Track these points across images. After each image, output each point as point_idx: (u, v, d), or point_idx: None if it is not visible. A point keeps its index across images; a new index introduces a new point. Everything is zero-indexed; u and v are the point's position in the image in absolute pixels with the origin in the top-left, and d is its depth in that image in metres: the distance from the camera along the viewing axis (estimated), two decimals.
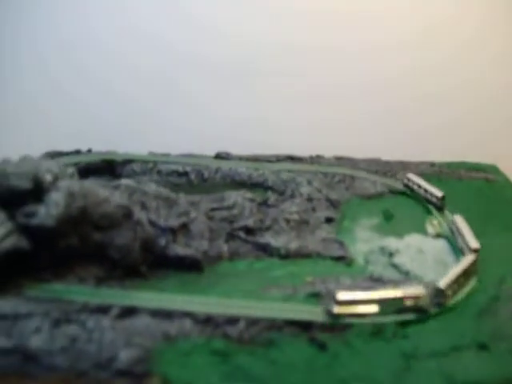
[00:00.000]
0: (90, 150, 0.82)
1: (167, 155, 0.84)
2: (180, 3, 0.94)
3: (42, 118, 0.95)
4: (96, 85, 0.95)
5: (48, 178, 0.54)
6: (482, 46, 0.97)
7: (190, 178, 0.79)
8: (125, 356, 0.48)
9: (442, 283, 0.56)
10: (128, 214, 0.58)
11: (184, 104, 0.95)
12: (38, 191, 0.55)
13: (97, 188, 0.58)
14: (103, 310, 0.52)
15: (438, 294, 0.56)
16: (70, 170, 0.58)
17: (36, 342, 0.49)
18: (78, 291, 0.55)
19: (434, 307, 0.55)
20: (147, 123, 0.94)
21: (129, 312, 0.52)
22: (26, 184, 0.54)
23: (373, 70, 0.94)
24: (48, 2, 0.99)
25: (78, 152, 0.77)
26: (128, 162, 0.81)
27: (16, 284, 0.55)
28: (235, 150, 0.85)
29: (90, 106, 0.94)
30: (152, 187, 0.65)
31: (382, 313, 0.53)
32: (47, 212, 0.53)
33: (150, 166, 0.80)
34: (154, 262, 0.60)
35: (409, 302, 0.54)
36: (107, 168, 0.79)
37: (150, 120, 0.95)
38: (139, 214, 0.60)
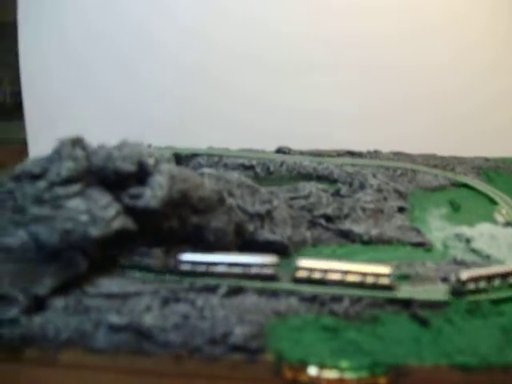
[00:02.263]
0: (149, 146, 0.83)
1: (228, 150, 0.86)
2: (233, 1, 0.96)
3: (96, 117, 0.96)
4: (150, 81, 0.96)
5: (151, 161, 0.56)
6: None
7: (256, 171, 0.80)
8: (240, 331, 0.49)
9: None
10: (222, 199, 0.60)
11: (239, 99, 0.96)
12: (141, 174, 0.56)
13: (192, 173, 0.59)
14: (210, 289, 0.54)
15: None
16: (167, 154, 0.59)
17: (148, 319, 0.50)
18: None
19: None
20: (205, 120, 0.96)
21: (236, 291, 0.53)
22: (131, 167, 0.55)
23: (426, 61, 0.96)
24: None
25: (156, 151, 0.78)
26: (193, 155, 0.82)
27: (119, 264, 0.56)
28: (291, 145, 0.87)
29: (144, 103, 0.95)
30: (234, 176, 0.67)
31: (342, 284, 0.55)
32: (152, 194, 0.55)
33: (216, 160, 0.81)
34: (243, 246, 0.61)
35: (371, 279, 0.55)
36: (175, 161, 0.80)
37: (208, 117, 0.96)
38: (230, 200, 0.61)
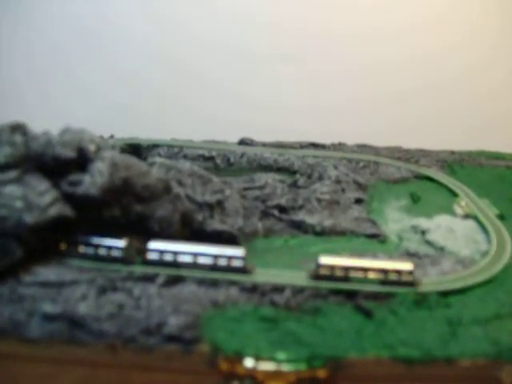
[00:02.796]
0: (112, 136, 0.82)
1: (190, 141, 0.85)
2: None
3: (63, 104, 0.94)
4: (117, 71, 0.95)
5: (92, 147, 0.54)
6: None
7: (216, 163, 0.79)
8: (174, 322, 0.48)
9: None
10: (167, 188, 0.58)
11: (204, 90, 0.95)
12: (81, 161, 0.55)
13: (138, 160, 0.58)
14: (149, 278, 0.52)
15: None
16: (112, 141, 0.58)
17: (83, 308, 0.49)
18: None
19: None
20: (168, 110, 0.94)
21: (175, 280, 0.52)
22: (70, 153, 0.54)
23: (393, 55, 0.95)
24: None
25: (101, 138, 0.77)
26: (153, 146, 0.81)
27: (58, 252, 0.55)
28: (256, 137, 0.86)
29: (110, 92, 0.94)
30: (186, 165, 0.66)
31: (364, 281, 0.54)
32: (92, 181, 0.53)
33: (176, 151, 0.80)
34: (192, 236, 0.60)
35: (393, 276, 0.54)
36: (132, 153, 0.79)
37: (171, 107, 0.95)
38: (177, 189, 0.60)
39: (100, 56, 0.94)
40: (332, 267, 0.53)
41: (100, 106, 0.93)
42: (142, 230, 0.57)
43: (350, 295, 0.53)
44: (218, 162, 0.78)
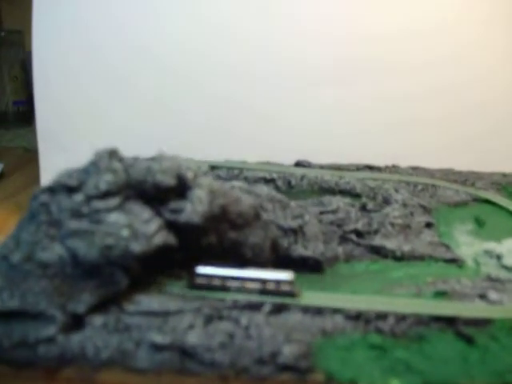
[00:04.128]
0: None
1: (245, 162, 0.85)
2: (237, 19, 0.95)
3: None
4: (157, 97, 0.95)
5: (190, 174, 0.54)
6: None
7: (277, 185, 0.79)
8: (288, 351, 0.48)
9: None
10: (258, 214, 0.59)
11: (250, 115, 0.96)
12: (180, 188, 0.55)
13: (229, 187, 0.58)
14: (254, 306, 0.52)
15: None
16: (204, 167, 0.58)
17: (192, 338, 0.49)
18: None
19: None
20: (221, 134, 0.94)
21: (280, 308, 0.52)
22: (171, 180, 0.54)
23: (442, 78, 0.96)
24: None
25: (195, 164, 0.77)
26: (212, 168, 0.81)
27: (157, 281, 0.54)
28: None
29: (148, 118, 0.94)
30: (264, 190, 0.66)
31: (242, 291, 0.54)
32: (193, 209, 0.53)
33: (236, 173, 0.80)
34: (277, 262, 0.60)
35: (272, 285, 0.54)
36: None
37: (224, 131, 0.95)
38: (264, 214, 0.60)
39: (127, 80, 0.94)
40: (209, 277, 0.54)
41: (139, 131, 0.92)
42: (235, 256, 0.57)
43: (451, 322, 0.53)
44: (279, 185, 0.79)
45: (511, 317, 0.55)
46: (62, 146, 0.92)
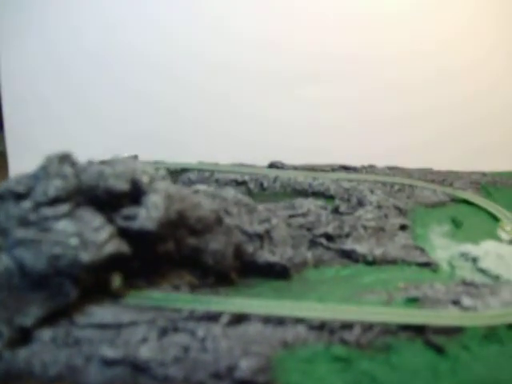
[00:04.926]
0: (136, 157, 0.79)
1: (217, 164, 0.82)
2: (225, 17, 0.92)
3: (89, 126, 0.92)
4: (141, 95, 0.93)
5: (145, 179, 0.52)
6: None
7: (249, 187, 0.77)
8: (246, 365, 0.45)
9: None
10: (220, 219, 0.56)
11: (230, 112, 0.93)
12: (135, 193, 0.52)
13: (189, 191, 0.55)
14: (212, 317, 0.50)
15: None
16: (162, 172, 0.56)
17: (145, 352, 0.46)
18: (179, 298, 0.52)
19: None
20: (194, 133, 0.92)
21: (239, 319, 0.50)
22: (124, 185, 0.51)
23: (418, 73, 0.94)
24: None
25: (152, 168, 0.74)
26: (183, 170, 0.78)
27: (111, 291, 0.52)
28: (283, 159, 0.84)
29: (131, 116, 0.91)
30: (230, 193, 0.63)
31: None
32: (148, 215, 0.51)
33: (207, 175, 0.78)
34: (243, 268, 0.58)
35: None
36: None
37: (198, 130, 0.92)
38: (227, 219, 0.58)
39: (118, 79, 0.91)
40: None
41: (118, 131, 0.89)
42: (195, 264, 0.54)
43: (420, 330, 0.50)
44: (251, 187, 0.76)
45: (484, 324, 0.52)
46: (31, 148, 0.89)
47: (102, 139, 0.85)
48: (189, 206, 0.53)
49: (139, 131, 0.91)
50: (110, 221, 0.51)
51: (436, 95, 0.95)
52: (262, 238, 0.60)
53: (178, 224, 0.53)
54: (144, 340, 0.47)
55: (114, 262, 0.50)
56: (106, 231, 0.49)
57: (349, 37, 0.93)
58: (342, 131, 0.93)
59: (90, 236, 0.48)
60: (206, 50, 0.93)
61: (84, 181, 0.51)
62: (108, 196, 0.51)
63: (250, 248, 0.58)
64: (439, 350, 0.50)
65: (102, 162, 0.52)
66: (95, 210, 0.50)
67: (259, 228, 0.60)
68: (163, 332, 0.48)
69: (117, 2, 0.93)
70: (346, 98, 0.94)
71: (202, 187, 0.63)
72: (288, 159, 0.84)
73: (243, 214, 0.61)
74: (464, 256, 0.65)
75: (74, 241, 0.48)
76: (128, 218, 0.51)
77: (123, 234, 0.51)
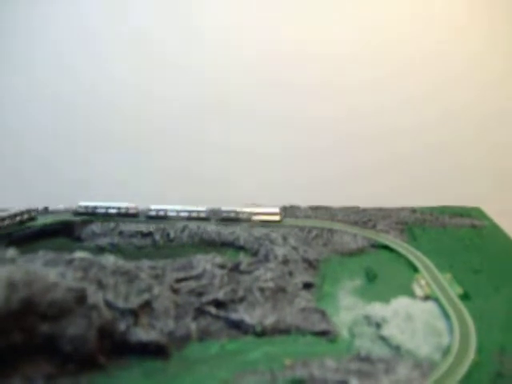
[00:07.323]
0: (46, 209, 0.75)
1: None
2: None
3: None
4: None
5: None
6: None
7: (154, 239, 0.72)
8: None
9: None
10: (81, 298, 0.51)
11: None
12: None
13: (44, 271, 0.50)
14: None
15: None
16: (11, 252, 0.51)
17: None
18: None
19: None
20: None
21: None
22: None
23: (353, 125, 0.90)
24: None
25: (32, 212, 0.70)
26: (87, 222, 0.74)
27: None
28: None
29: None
30: (110, 260, 0.58)
31: None
32: None
33: (112, 227, 0.73)
34: (114, 349, 0.53)
35: None
36: (65, 230, 0.72)
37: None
38: (95, 296, 0.53)
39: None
40: None
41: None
42: (51, 352, 0.50)
43: None
44: (157, 239, 0.71)
45: None
46: None
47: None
48: (38, 291, 0.48)
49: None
50: None
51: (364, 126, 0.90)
52: (137, 312, 0.55)
53: (24, 312, 0.48)
54: None
55: None
56: None
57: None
58: (259, 173, 0.89)
59: None
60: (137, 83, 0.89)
61: None
62: None
63: (121, 326, 0.53)
64: None
65: None
66: None
67: (136, 301, 0.56)
68: None
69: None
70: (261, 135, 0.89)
71: (79, 254, 0.58)
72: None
73: (121, 284, 0.57)
74: (368, 319, 0.60)
75: None
76: None
77: None
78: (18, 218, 0.71)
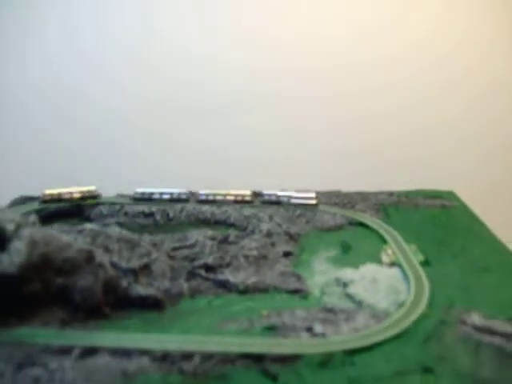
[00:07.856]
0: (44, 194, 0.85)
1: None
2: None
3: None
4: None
5: (10, 227, 0.57)
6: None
7: (155, 219, 0.82)
8: None
9: None
10: (90, 258, 0.61)
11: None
12: (0, 240, 0.57)
13: (59, 234, 0.61)
14: (65, 351, 0.55)
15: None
16: (33, 217, 0.61)
17: None
18: (41, 334, 0.57)
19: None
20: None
21: (89, 352, 0.55)
22: None
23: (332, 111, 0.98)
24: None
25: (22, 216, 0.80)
26: (97, 204, 0.84)
27: None
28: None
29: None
30: (115, 230, 0.68)
31: None
32: (10, 260, 0.56)
33: (118, 208, 0.83)
34: (117, 302, 0.62)
35: None
36: (76, 211, 0.82)
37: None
38: (102, 257, 0.63)
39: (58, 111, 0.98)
40: None
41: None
42: (65, 301, 0.60)
43: (259, 359, 0.55)
44: (158, 218, 0.81)
45: (320, 352, 0.56)
46: None
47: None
48: (55, 249, 0.58)
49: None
50: None
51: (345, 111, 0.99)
52: (137, 272, 0.64)
53: (43, 266, 0.58)
54: (0, 375, 0.52)
55: None
56: None
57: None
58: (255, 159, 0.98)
59: None
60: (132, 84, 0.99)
61: None
62: None
63: (124, 283, 0.63)
64: (273, 377, 0.54)
65: None
66: None
67: (137, 263, 0.65)
68: (19, 367, 0.53)
69: None
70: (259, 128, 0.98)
71: (89, 226, 0.68)
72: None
73: (124, 249, 0.66)
74: (337, 281, 0.68)
75: None
76: None
77: None
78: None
